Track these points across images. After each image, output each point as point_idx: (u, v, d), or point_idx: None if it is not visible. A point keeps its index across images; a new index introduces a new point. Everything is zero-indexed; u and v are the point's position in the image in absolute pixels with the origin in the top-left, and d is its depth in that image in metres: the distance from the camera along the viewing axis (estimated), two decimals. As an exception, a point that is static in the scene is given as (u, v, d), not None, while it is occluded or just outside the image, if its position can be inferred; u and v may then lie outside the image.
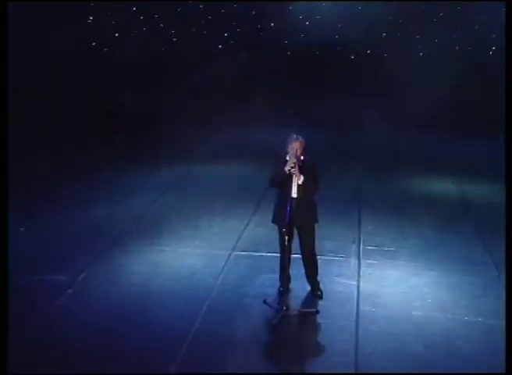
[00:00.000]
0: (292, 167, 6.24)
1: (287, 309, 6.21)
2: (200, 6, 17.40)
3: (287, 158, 6.38)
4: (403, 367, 5.43)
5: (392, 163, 12.20)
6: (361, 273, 7.27)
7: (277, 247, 6.73)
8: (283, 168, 6.27)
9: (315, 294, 6.70)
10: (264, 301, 6.44)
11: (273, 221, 6.68)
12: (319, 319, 6.25)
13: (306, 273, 6.78)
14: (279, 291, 6.71)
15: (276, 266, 6.84)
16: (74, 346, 5.66)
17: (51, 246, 7.95)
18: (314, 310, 6.37)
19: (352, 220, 8.91)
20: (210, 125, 14.68)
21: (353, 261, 7.57)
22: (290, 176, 6.28)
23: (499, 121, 12.56)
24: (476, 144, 13.48)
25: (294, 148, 6.37)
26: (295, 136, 6.47)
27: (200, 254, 7.70)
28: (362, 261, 7.57)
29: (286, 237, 6.20)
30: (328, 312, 6.35)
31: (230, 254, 7.70)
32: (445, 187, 10.74)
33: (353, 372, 5.42)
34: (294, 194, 6.32)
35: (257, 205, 9.34)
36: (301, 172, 6.30)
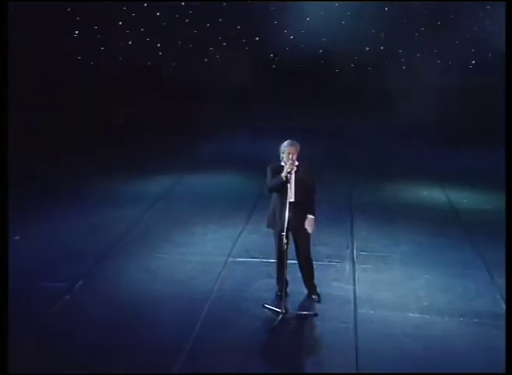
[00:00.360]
0: (289, 172, 6.30)
1: (286, 312, 6.23)
2: (186, 20, 17.57)
3: (282, 163, 6.43)
4: (403, 367, 5.48)
5: (383, 171, 12.32)
6: (357, 277, 7.33)
7: (271, 252, 6.79)
8: (279, 174, 6.32)
9: (313, 297, 6.74)
10: (263, 305, 6.48)
11: (269, 226, 6.70)
12: (318, 321, 6.30)
13: (303, 277, 6.80)
14: (277, 295, 6.72)
15: (272, 270, 6.89)
16: (73, 349, 5.66)
17: (49, 251, 7.94)
18: (313, 313, 6.42)
19: (345, 226, 8.99)
20: (203, 135, 14.80)
21: (348, 266, 7.64)
22: (286, 181, 6.32)
23: (488, 132, 12.92)
24: (467, 153, 13.74)
25: (290, 152, 6.41)
26: (290, 141, 6.51)
27: (197, 260, 7.72)
28: (357, 266, 7.64)
29: (285, 241, 6.21)
30: (327, 314, 6.40)
31: (226, 260, 7.73)
32: (435, 194, 10.88)
33: (353, 372, 5.46)
34: (291, 199, 6.35)
35: (250, 212, 9.39)
36: (298, 176, 6.35)
